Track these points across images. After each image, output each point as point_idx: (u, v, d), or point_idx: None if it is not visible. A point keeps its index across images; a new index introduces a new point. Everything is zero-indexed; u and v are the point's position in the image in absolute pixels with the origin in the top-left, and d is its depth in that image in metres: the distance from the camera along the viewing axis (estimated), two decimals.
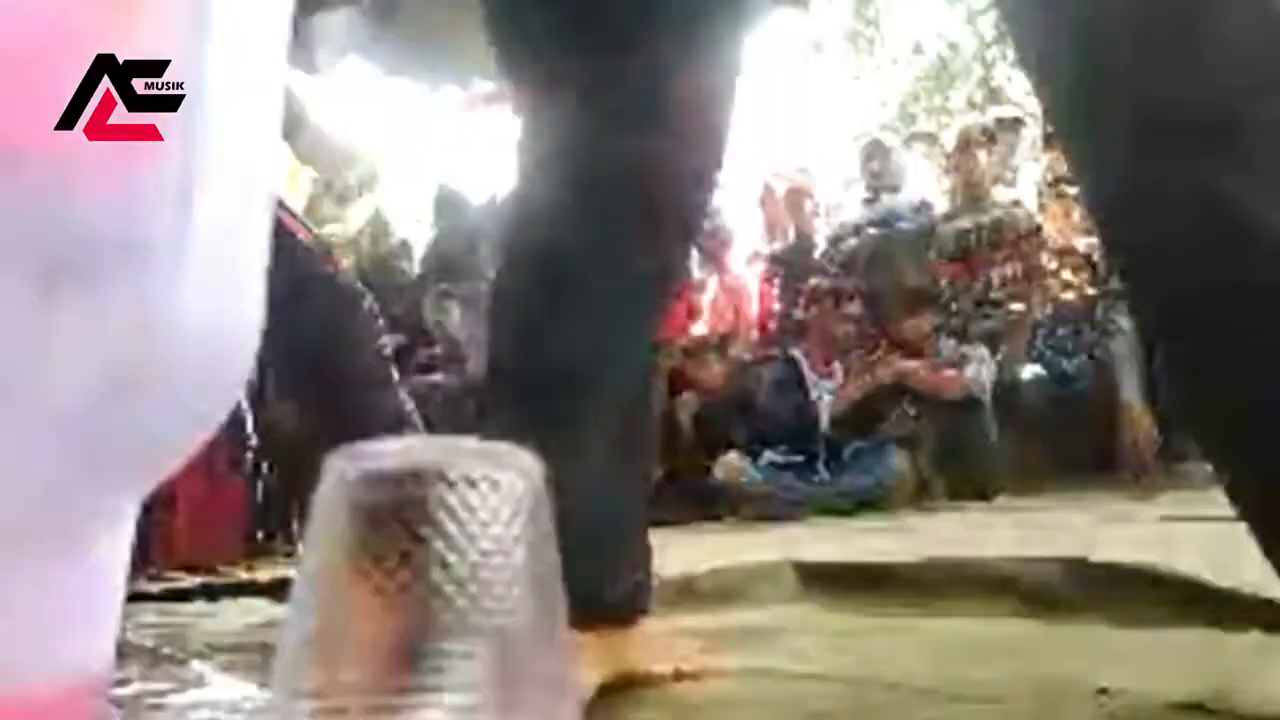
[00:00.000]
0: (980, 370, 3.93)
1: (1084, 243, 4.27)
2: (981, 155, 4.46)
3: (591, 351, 0.93)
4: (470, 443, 0.34)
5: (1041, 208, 4.67)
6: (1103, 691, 0.80)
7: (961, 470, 3.92)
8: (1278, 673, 0.87)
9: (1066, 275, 4.13)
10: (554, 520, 0.36)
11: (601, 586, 0.93)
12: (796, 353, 4.26)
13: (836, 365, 4.19)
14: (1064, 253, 4.24)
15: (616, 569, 0.98)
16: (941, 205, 4.76)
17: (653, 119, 0.94)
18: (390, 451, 0.33)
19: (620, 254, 0.93)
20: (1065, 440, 3.95)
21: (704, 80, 0.99)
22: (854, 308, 4.28)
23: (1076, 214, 4.58)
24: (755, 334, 5.36)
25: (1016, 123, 4.96)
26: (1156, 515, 2.37)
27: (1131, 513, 2.58)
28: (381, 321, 3.59)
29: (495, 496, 0.33)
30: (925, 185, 5.09)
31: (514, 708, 0.31)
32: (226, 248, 0.40)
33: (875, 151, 5.00)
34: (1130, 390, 3.71)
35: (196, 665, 1.31)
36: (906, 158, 5.16)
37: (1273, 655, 0.94)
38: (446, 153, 6.94)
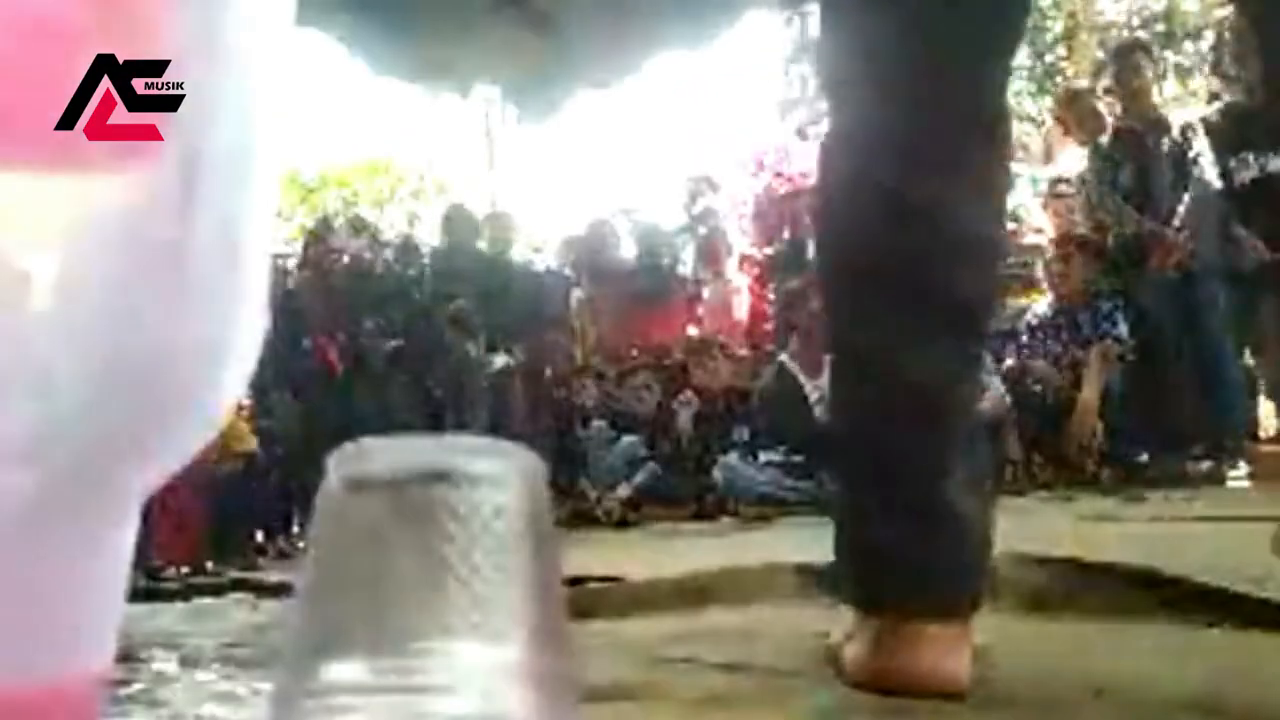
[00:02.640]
0: (996, 389, 3.92)
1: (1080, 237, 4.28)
2: None
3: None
4: (472, 442, 0.34)
5: (1044, 206, 4.68)
6: (1099, 694, 0.80)
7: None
8: (1275, 672, 0.87)
9: (1068, 269, 4.13)
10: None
11: None
12: (784, 356, 4.26)
13: (825, 364, 4.20)
14: (1061, 244, 4.25)
15: None
16: None
17: None
18: (392, 451, 0.33)
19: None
20: (1064, 440, 3.96)
21: None
22: None
23: (1077, 213, 4.59)
24: (750, 336, 5.38)
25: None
26: (1152, 516, 2.37)
27: (1128, 513, 2.59)
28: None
29: (497, 495, 0.33)
30: None
31: (517, 703, 0.31)
32: (228, 255, 0.40)
33: None
34: (1090, 388, 3.77)
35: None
36: None
37: (1270, 655, 0.94)
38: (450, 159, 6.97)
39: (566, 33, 3.41)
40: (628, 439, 4.79)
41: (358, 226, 5.39)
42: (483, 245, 5.56)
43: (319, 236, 4.93)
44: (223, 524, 4.11)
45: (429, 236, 5.83)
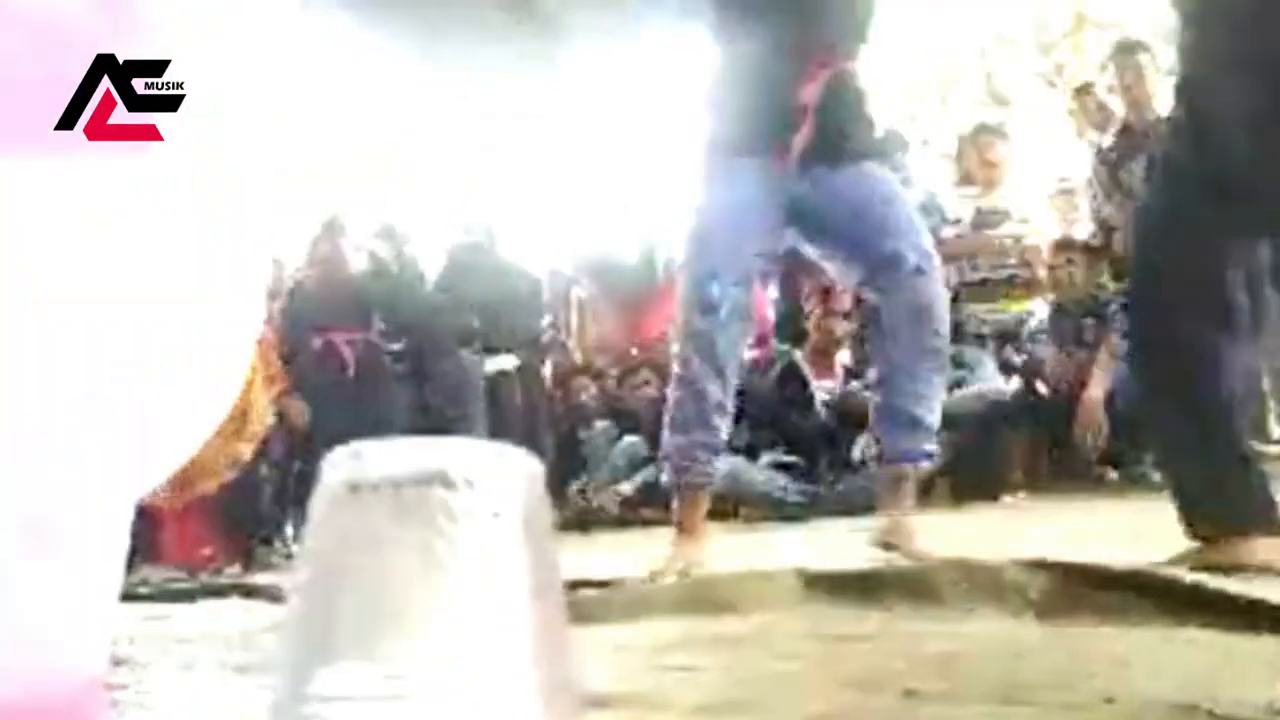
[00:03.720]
0: (993, 377, 3.92)
1: (1083, 238, 4.27)
2: (1001, 148, 4.41)
3: None
4: (469, 444, 0.34)
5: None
6: (1108, 700, 0.80)
7: (970, 472, 3.92)
8: (1275, 673, 0.87)
9: (1071, 270, 4.11)
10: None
11: None
12: (797, 355, 4.25)
13: (838, 365, 4.18)
14: (1063, 248, 4.23)
15: None
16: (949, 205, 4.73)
17: None
18: (389, 453, 0.33)
19: None
20: (1065, 441, 3.95)
21: None
22: (846, 305, 4.24)
23: (1077, 212, 4.58)
24: (751, 336, 5.36)
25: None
26: (1160, 518, 2.36)
27: (1129, 513, 2.58)
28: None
29: (495, 497, 0.32)
30: (933, 184, 5.05)
31: (517, 708, 0.31)
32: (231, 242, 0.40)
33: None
34: (1097, 386, 3.76)
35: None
36: (915, 154, 5.13)
37: (1269, 656, 0.93)
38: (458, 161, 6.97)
39: None
40: (629, 439, 4.79)
41: (385, 232, 5.34)
42: (486, 245, 5.55)
43: (330, 231, 4.90)
44: (223, 525, 4.09)
45: (432, 234, 5.83)
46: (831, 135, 1.91)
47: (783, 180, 1.92)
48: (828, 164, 1.92)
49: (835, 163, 1.92)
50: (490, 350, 5.13)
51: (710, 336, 1.91)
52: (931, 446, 1.93)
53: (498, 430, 4.70)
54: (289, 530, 4.48)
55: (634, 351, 5.44)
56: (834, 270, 2.12)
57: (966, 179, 4.55)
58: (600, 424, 4.97)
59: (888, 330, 1.93)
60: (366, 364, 4.71)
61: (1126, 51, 3.99)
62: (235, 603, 2.29)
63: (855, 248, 1.95)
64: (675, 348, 2.01)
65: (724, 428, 2.02)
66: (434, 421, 4.79)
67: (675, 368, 1.98)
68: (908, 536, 1.85)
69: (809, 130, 1.89)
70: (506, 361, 5.14)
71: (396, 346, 4.91)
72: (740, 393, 2.19)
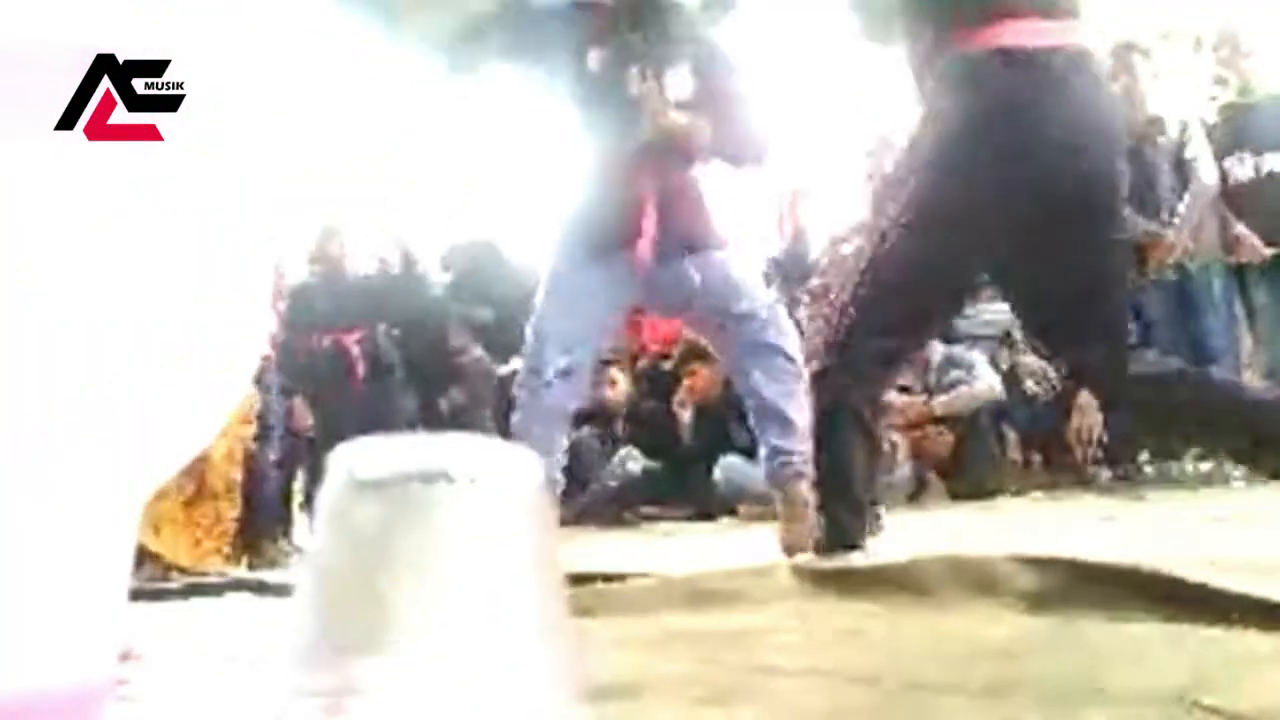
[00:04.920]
0: (990, 377, 3.93)
1: None
2: None
3: None
4: (472, 442, 0.34)
5: None
6: (1099, 693, 0.81)
7: (964, 470, 3.93)
8: (1273, 672, 0.87)
9: None
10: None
11: None
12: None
13: None
14: None
15: None
16: None
17: None
18: (393, 450, 0.34)
19: None
20: (1063, 440, 3.96)
21: None
22: None
23: None
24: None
25: None
26: (1151, 515, 2.36)
27: (1128, 512, 2.58)
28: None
29: (497, 494, 0.33)
30: None
31: (518, 701, 0.32)
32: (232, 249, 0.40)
33: (880, 148, 4.97)
34: None
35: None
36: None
37: (1267, 654, 0.94)
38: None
39: None
40: (627, 439, 4.79)
41: (390, 232, 5.33)
42: (495, 245, 5.55)
43: (332, 231, 4.89)
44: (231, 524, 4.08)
45: (437, 235, 5.82)
46: (673, 233, 2.24)
47: (630, 272, 2.24)
48: (672, 257, 2.25)
49: (682, 255, 2.26)
50: (503, 351, 5.15)
51: (547, 401, 2.28)
52: (805, 468, 2.04)
53: (504, 431, 4.70)
54: (295, 526, 4.48)
55: (634, 353, 5.44)
56: (687, 325, 2.55)
57: None
58: (586, 428, 4.98)
59: (748, 370, 2.25)
60: (374, 364, 4.71)
61: (1121, 52, 3.99)
62: (241, 598, 2.29)
63: (708, 310, 2.31)
64: (515, 393, 2.37)
65: (558, 463, 2.35)
66: (444, 422, 4.79)
67: (515, 413, 2.34)
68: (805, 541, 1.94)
69: (654, 229, 2.24)
70: (517, 362, 5.15)
71: (401, 348, 4.91)
72: (741, 393, 2.37)
